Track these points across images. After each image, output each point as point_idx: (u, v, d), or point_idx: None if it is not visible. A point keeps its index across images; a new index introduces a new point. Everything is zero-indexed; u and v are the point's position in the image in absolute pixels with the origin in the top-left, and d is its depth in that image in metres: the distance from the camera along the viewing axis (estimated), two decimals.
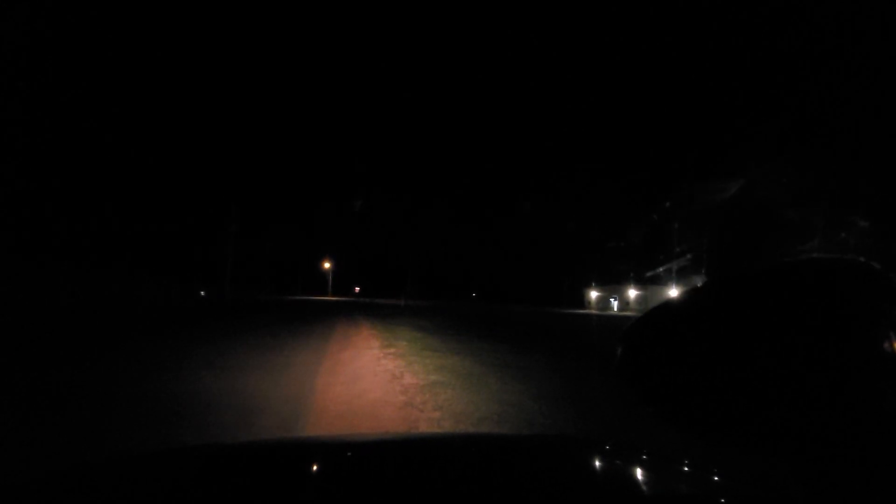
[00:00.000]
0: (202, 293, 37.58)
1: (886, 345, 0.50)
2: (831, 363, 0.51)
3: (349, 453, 1.03)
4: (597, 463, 1.00)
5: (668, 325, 0.67)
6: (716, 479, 0.86)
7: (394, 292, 62.56)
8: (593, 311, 46.42)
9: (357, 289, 73.18)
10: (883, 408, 0.49)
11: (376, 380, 5.11)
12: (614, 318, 31.69)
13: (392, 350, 7.81)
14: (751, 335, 0.57)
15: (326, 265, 71.17)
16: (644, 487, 0.86)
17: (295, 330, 11.01)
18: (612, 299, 56.91)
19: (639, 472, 0.94)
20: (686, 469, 0.92)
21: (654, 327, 0.69)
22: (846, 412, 0.50)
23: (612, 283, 56.66)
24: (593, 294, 60.17)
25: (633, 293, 53.38)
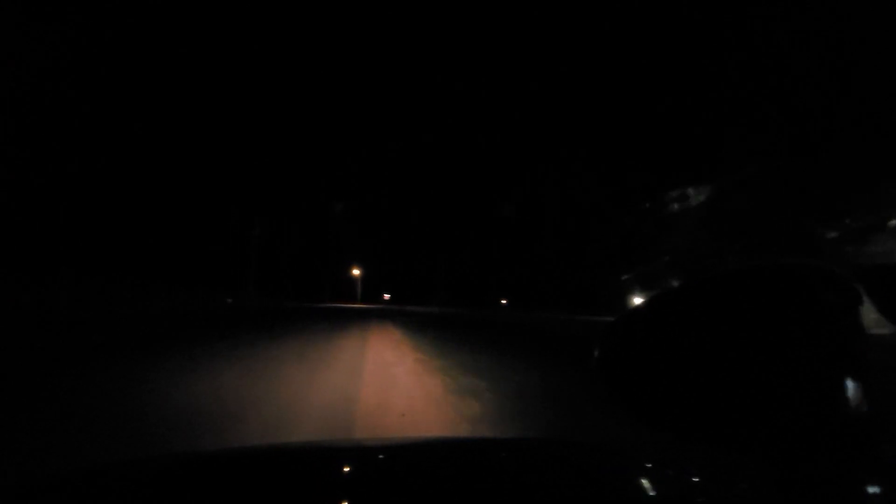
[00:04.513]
0: (229, 300, 36.88)
1: (848, 348, 0.52)
2: (795, 365, 0.52)
3: (340, 459, 1.00)
4: (588, 468, 0.99)
5: (644, 326, 0.66)
6: (715, 485, 0.86)
7: (423, 299, 60.58)
8: None
9: (386, 296, 71.58)
10: (845, 410, 0.50)
11: None
12: None
13: (454, 385, 5.38)
14: (719, 336, 0.57)
15: (355, 272, 70.04)
16: (634, 493, 0.85)
17: (319, 345, 8.77)
18: None
19: (630, 478, 0.92)
20: (694, 479, 0.90)
21: (630, 329, 0.68)
22: (810, 413, 0.51)
23: (656, 289, 52.61)
24: (636, 301, 56.27)
25: None
